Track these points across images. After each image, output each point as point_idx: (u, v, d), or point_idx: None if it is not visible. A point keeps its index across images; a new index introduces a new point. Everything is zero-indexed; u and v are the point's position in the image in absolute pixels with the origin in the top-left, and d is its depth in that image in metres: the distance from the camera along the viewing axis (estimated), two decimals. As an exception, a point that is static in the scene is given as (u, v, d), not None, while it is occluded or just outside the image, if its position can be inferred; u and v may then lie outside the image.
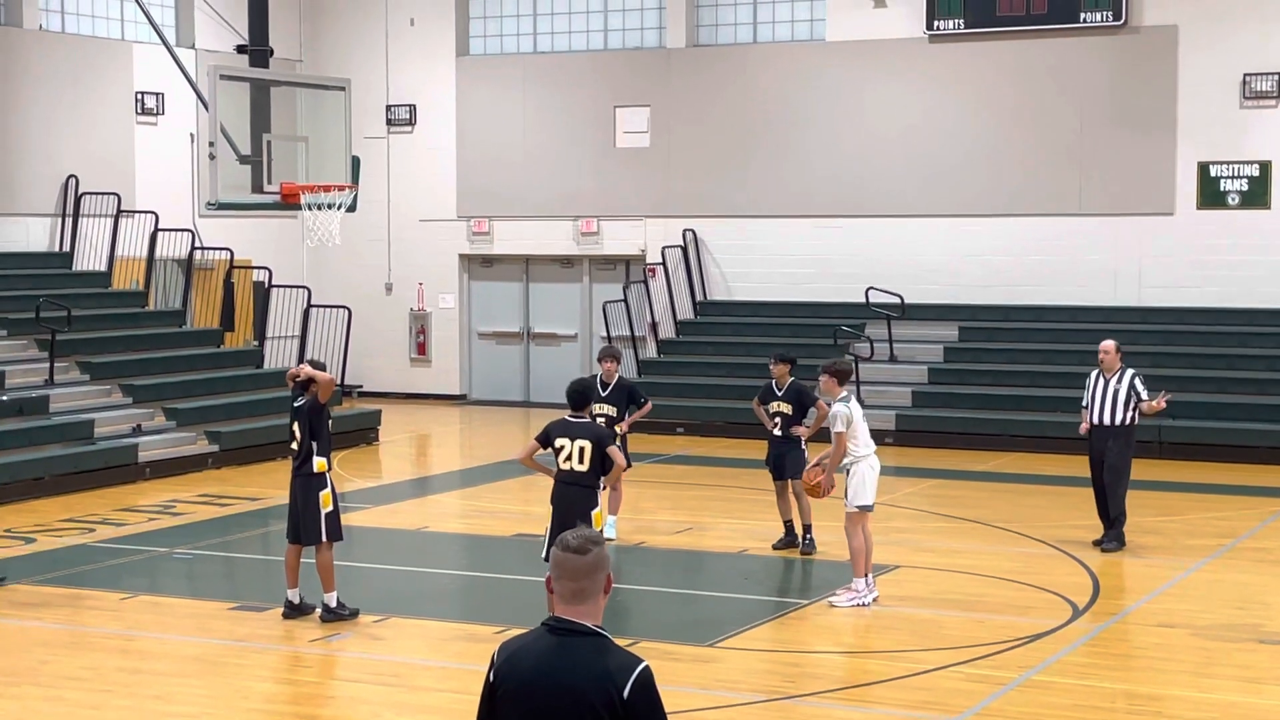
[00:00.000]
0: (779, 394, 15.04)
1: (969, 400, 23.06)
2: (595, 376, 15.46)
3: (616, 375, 15.40)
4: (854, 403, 13.05)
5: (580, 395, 11.61)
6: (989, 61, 24.48)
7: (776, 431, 15.00)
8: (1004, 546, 15.48)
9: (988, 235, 24.50)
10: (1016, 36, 24.24)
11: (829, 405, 14.78)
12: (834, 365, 13.36)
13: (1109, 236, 23.80)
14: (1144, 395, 15.14)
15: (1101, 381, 15.25)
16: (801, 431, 14.91)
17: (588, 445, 11.30)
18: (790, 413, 14.94)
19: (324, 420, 12.37)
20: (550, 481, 11.58)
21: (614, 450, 11.42)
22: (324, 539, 12.27)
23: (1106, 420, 15.17)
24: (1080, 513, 16.57)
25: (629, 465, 13.05)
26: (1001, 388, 23.12)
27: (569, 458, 11.33)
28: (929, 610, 12.81)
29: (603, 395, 15.19)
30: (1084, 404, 15.39)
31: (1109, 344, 15.44)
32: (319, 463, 12.28)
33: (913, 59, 24.88)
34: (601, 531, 12.24)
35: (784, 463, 14.94)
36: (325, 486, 12.31)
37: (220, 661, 11.41)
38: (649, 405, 15.96)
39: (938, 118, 24.83)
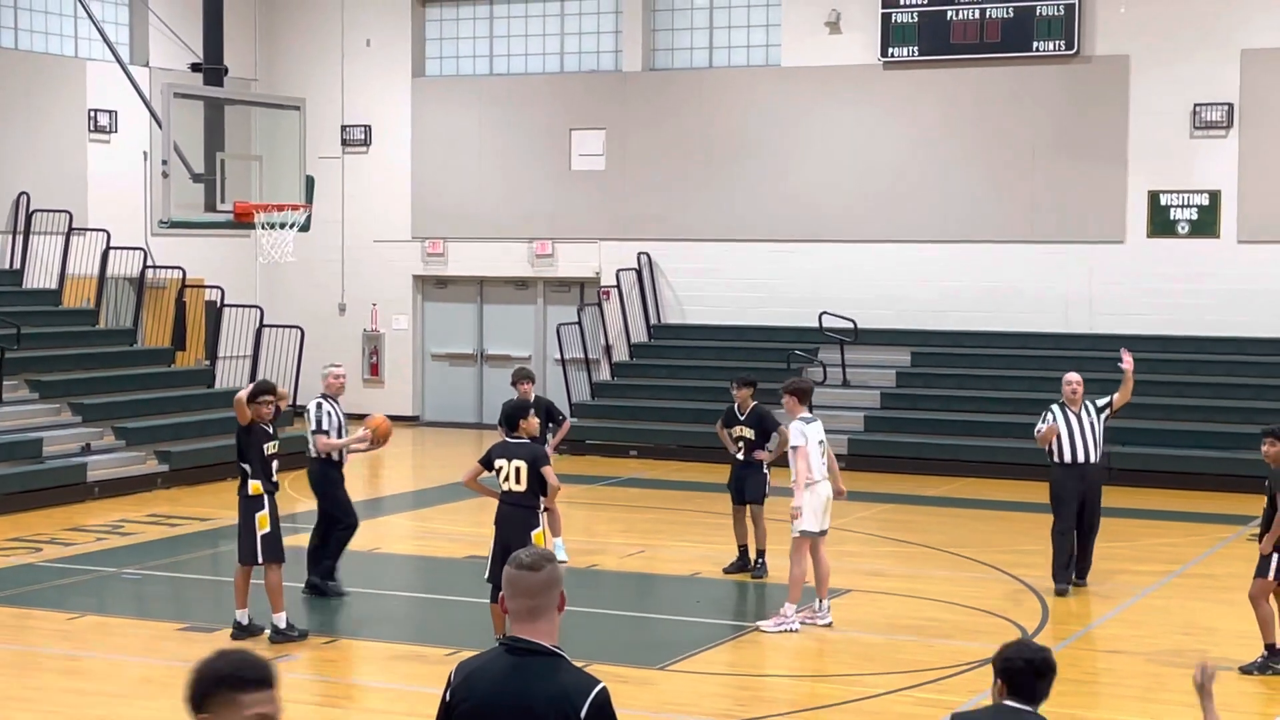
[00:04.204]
0: (741, 418, 15.07)
1: (921, 425, 23.15)
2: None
3: (534, 395, 15.21)
4: (815, 424, 13.04)
5: (513, 416, 11.70)
6: (942, 89, 24.64)
7: (739, 456, 15.02)
8: (955, 571, 15.53)
9: (940, 261, 24.63)
10: (970, 64, 24.42)
11: (788, 431, 14.83)
12: (794, 384, 13.37)
13: (1060, 264, 23.97)
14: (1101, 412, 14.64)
15: (1070, 417, 14.30)
16: (763, 456, 14.94)
17: (523, 465, 11.42)
18: (752, 437, 14.96)
19: (254, 442, 12.41)
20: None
21: (547, 470, 11.51)
22: (259, 560, 12.29)
23: (1094, 458, 14.30)
24: (1030, 538, 16.66)
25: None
26: (953, 413, 23.22)
27: (507, 478, 11.44)
28: (880, 634, 12.85)
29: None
30: (1037, 429, 14.36)
31: (1078, 377, 14.51)
32: (253, 485, 12.35)
33: (867, 85, 25.03)
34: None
35: (745, 486, 14.97)
36: (262, 508, 12.35)
37: (168, 683, 11.33)
38: (568, 424, 16.09)
39: (892, 144, 24.97)
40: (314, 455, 14.02)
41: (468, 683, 4.64)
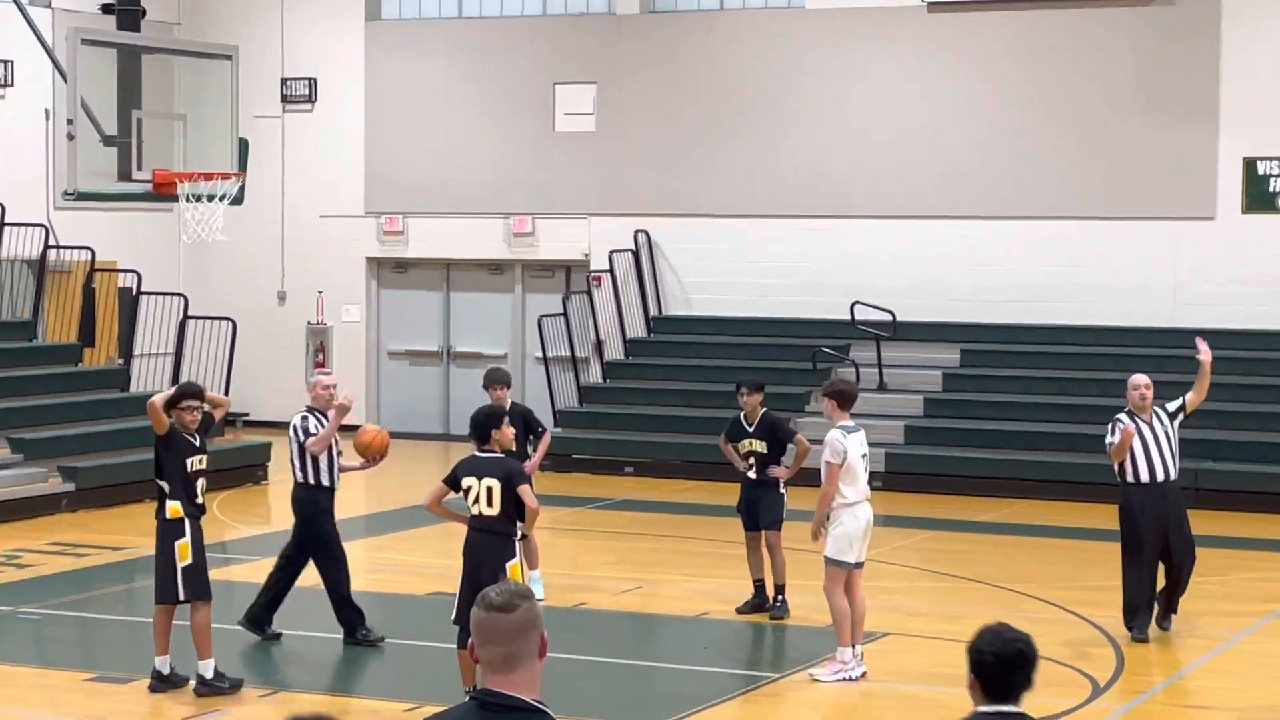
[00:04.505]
0: (750, 430, 15.04)
1: (972, 437, 23.16)
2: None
3: (509, 402, 15.13)
4: (858, 435, 13.01)
5: (483, 425, 11.69)
6: (998, 36, 24.65)
7: (751, 474, 15.00)
8: (1011, 611, 15.51)
9: (996, 241, 24.63)
10: (1031, 6, 24.43)
11: (808, 440, 14.80)
12: (837, 387, 13.35)
13: (1139, 244, 23.97)
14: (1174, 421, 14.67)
15: (1141, 427, 14.21)
16: (779, 472, 14.91)
17: (496, 485, 11.42)
18: (765, 451, 14.94)
19: (175, 455, 12.38)
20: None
21: (525, 490, 11.51)
22: (181, 598, 12.29)
23: (1172, 474, 14.22)
24: (1104, 571, 16.66)
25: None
26: (1011, 422, 23.22)
27: (477, 500, 11.45)
28: (923, 686, 12.86)
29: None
30: (1109, 441, 14.36)
31: (1146, 379, 14.47)
32: (171, 507, 12.33)
33: (908, 32, 25.05)
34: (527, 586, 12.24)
35: (758, 509, 14.94)
36: (183, 535, 12.33)
37: (74, 743, 11.35)
38: (548, 436, 15.90)
39: (937, 102, 24.98)
40: (300, 479, 13.98)
41: (433, 744, 4.66)
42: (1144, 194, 23.99)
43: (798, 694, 12.66)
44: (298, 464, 13.97)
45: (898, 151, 25.09)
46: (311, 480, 13.93)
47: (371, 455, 14.00)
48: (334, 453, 14.02)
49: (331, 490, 14.05)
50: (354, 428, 14.65)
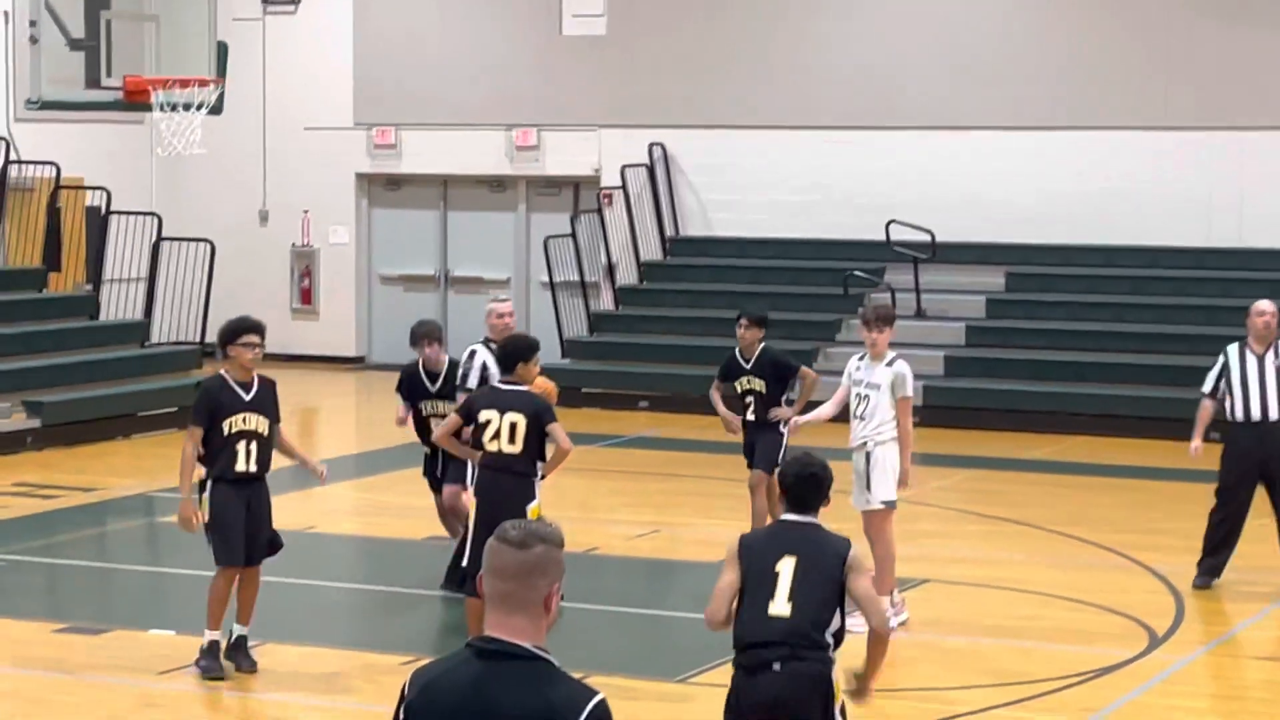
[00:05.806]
0: (747, 365, 14.86)
1: (1018, 368, 23.14)
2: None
3: (446, 361, 14.66)
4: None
5: (511, 355, 11.63)
6: (1048, -72, 24.55)
7: (750, 415, 14.84)
8: (1061, 556, 15.55)
9: (1045, 154, 24.54)
10: (1084, -105, 24.32)
11: (815, 371, 14.77)
12: (881, 311, 13.56)
13: (1202, 156, 23.86)
14: None
15: (1252, 360, 14.16)
16: (784, 413, 14.68)
17: (520, 420, 11.38)
18: (764, 390, 14.75)
19: (218, 416, 11.78)
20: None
21: (556, 428, 11.48)
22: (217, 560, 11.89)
23: (1274, 414, 14.12)
24: (1161, 513, 16.69)
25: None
26: (1060, 352, 23.21)
27: (496, 436, 11.40)
28: (965, 637, 12.89)
29: (432, 390, 14.40)
30: (1210, 390, 14.33)
31: (1273, 306, 14.33)
32: (199, 473, 11.73)
33: (950, -77, 24.94)
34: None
35: (755, 451, 14.83)
36: (204, 490, 11.79)
37: (42, 699, 11.40)
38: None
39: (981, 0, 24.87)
40: None
41: (426, 695, 4.67)
42: (1208, 101, 23.86)
43: (828, 646, 12.66)
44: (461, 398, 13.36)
45: (938, 55, 24.96)
46: None
47: None
48: None
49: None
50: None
